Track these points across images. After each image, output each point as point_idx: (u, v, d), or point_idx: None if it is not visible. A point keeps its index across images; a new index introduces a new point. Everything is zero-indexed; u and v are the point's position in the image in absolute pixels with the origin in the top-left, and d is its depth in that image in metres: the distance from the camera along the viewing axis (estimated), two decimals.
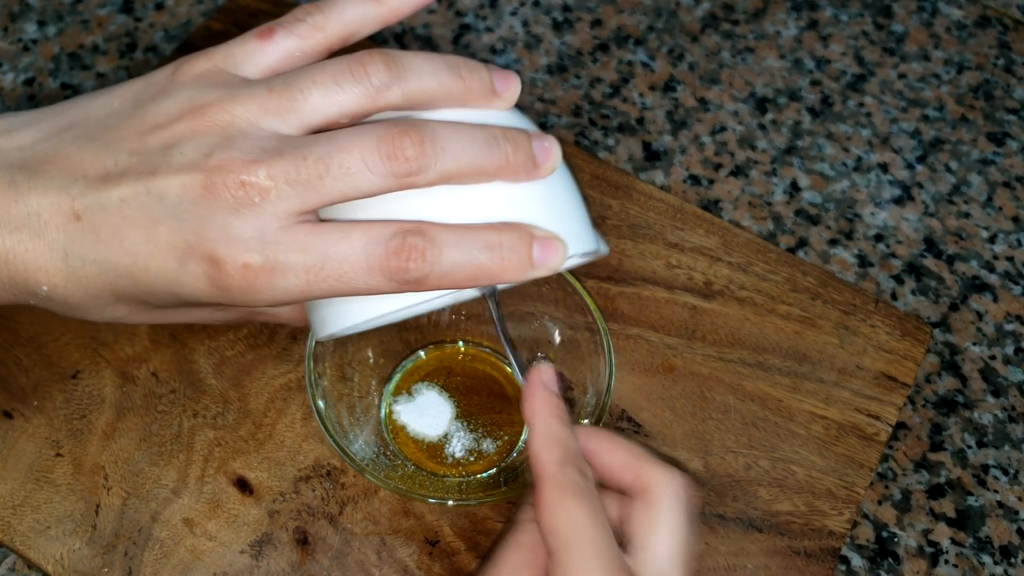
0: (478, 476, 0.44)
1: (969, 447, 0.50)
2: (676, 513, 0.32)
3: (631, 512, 0.33)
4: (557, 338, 0.46)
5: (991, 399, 0.51)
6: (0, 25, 0.60)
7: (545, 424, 0.33)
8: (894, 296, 0.54)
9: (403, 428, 0.45)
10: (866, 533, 0.47)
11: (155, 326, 0.48)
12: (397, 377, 0.47)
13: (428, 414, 0.46)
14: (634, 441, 0.45)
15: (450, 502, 0.40)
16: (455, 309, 0.47)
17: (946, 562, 0.46)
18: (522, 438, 0.45)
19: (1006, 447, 0.50)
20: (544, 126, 0.58)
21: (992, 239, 0.57)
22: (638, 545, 0.32)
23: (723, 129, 0.60)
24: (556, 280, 0.44)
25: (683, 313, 0.51)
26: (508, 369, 0.47)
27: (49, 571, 0.42)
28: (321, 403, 0.41)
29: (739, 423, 0.48)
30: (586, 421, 0.41)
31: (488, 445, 0.45)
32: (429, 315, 0.47)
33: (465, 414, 0.46)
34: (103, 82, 0.57)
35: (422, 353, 0.48)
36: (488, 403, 0.46)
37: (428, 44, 0.61)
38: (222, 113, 0.31)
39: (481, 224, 0.32)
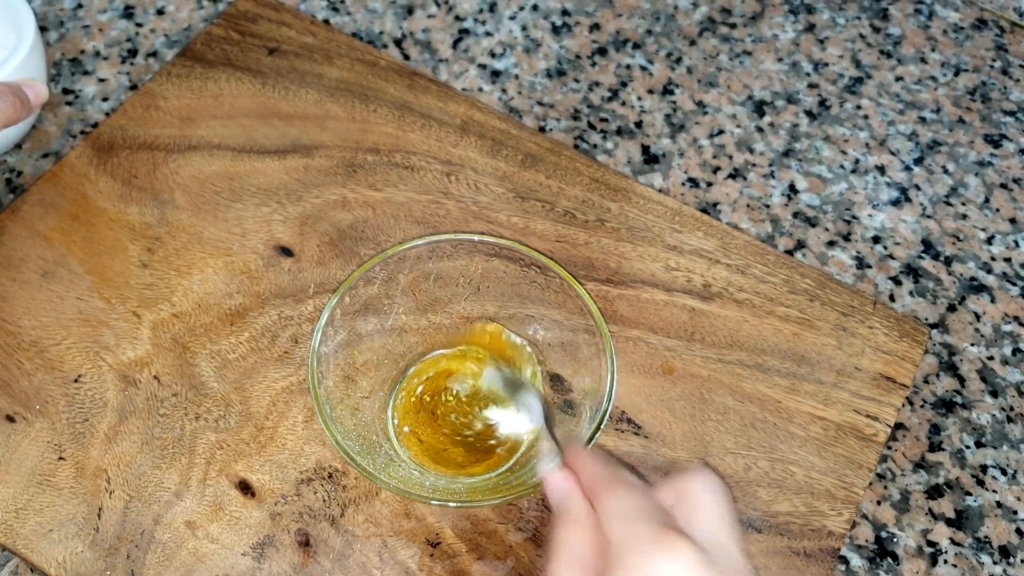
0: (481, 478, 0.44)
1: (967, 447, 0.50)
2: (710, 489, 0.33)
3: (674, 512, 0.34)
4: (558, 340, 0.46)
5: (989, 399, 0.51)
6: None
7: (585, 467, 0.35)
8: (892, 297, 0.54)
9: (406, 430, 0.46)
10: (865, 533, 0.47)
11: (156, 329, 0.48)
12: (401, 380, 0.47)
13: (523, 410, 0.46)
14: (634, 444, 0.45)
15: (452, 504, 0.40)
16: (458, 313, 0.47)
17: (945, 562, 0.47)
18: (524, 441, 0.46)
19: (1004, 447, 0.50)
20: (543, 129, 0.59)
21: (989, 240, 0.57)
22: (688, 519, 0.32)
23: (721, 132, 0.60)
24: (557, 283, 0.44)
25: (682, 315, 0.51)
26: (509, 371, 0.48)
27: (52, 574, 0.42)
28: (325, 405, 0.41)
29: (738, 424, 0.48)
30: (586, 423, 0.42)
31: (491, 447, 0.45)
32: (431, 319, 0.47)
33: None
34: (104, 88, 0.58)
35: (425, 356, 0.48)
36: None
37: (427, 48, 0.61)
38: None
39: None
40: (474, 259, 0.45)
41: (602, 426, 0.40)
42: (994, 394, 0.52)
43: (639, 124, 0.60)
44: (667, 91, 0.61)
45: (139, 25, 0.61)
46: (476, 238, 0.45)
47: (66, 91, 0.57)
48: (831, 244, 0.56)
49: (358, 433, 0.43)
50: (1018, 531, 0.48)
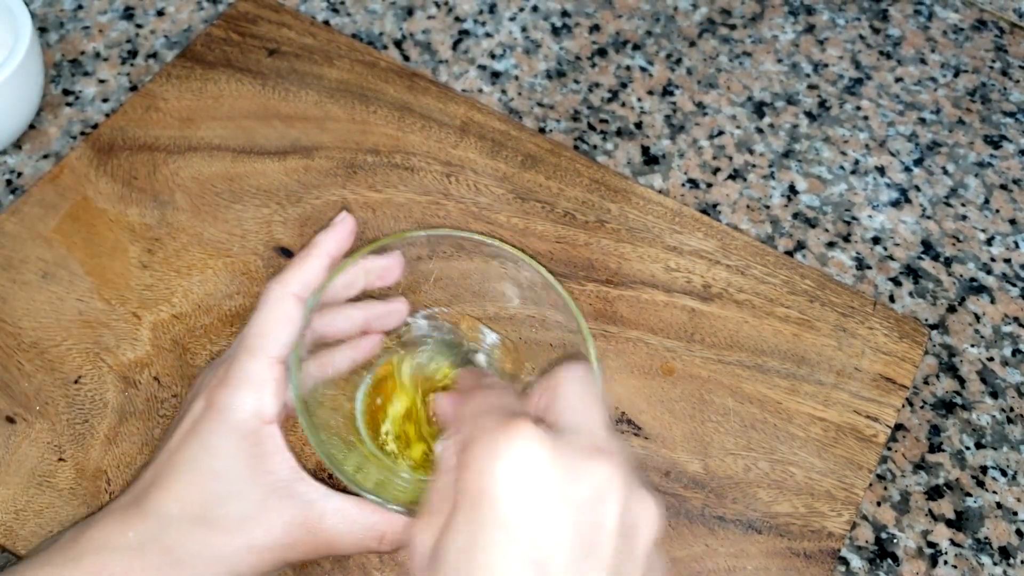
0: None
1: (967, 448, 0.50)
2: (574, 377, 0.34)
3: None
4: (559, 341, 0.46)
5: (989, 400, 0.51)
6: None
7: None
8: (892, 298, 0.54)
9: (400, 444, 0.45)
10: (865, 534, 0.47)
11: (156, 330, 0.48)
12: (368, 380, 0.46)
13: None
14: (634, 445, 0.45)
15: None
16: (449, 315, 0.47)
17: (945, 563, 0.47)
18: None
19: (1004, 448, 0.50)
20: (543, 131, 0.59)
21: (989, 241, 0.57)
22: (549, 407, 0.33)
23: (721, 133, 0.60)
24: (541, 283, 0.43)
25: (682, 316, 0.51)
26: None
27: None
28: (306, 413, 0.39)
29: (738, 425, 0.48)
30: None
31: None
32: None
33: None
34: (104, 89, 0.58)
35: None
36: None
37: (428, 49, 0.61)
38: None
39: None
40: (474, 259, 0.45)
41: None
42: (994, 395, 0.52)
43: (639, 125, 0.60)
44: (667, 92, 0.61)
45: (139, 26, 0.61)
46: (442, 233, 0.44)
47: (66, 92, 0.57)
48: (831, 245, 0.56)
49: (340, 437, 0.42)
50: (1018, 532, 0.48)
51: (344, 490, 0.39)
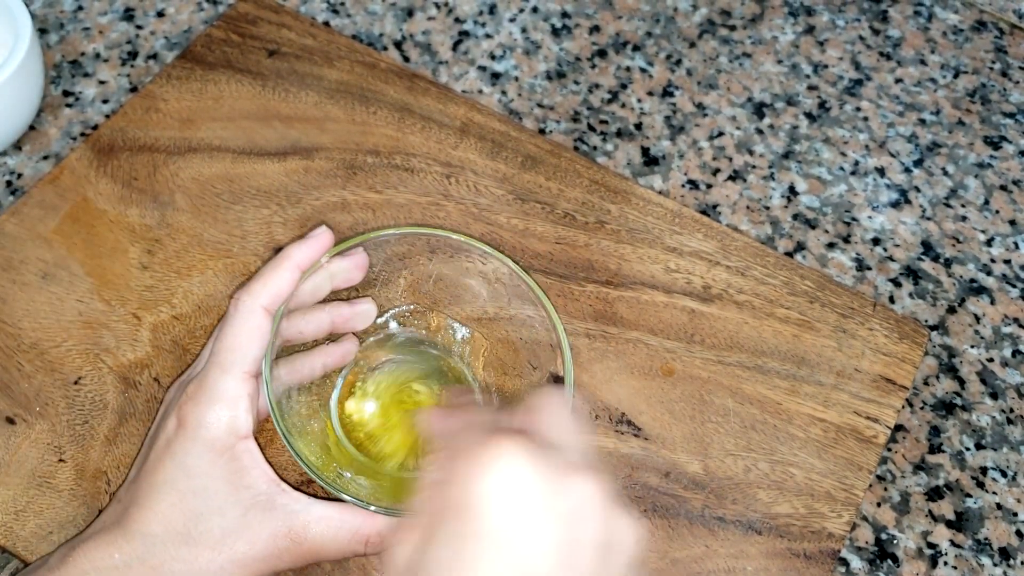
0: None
1: (967, 449, 0.50)
2: (554, 401, 0.34)
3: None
4: (558, 342, 0.46)
5: (989, 401, 0.51)
6: None
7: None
8: (892, 299, 0.54)
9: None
10: (865, 535, 0.47)
11: (156, 331, 0.48)
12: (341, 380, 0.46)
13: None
14: (634, 446, 0.45)
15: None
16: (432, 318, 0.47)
17: (945, 564, 0.46)
18: None
19: (1004, 449, 0.50)
20: (543, 131, 0.59)
21: (989, 242, 0.57)
22: (532, 424, 0.33)
23: (721, 134, 0.60)
24: (512, 278, 0.43)
25: (682, 317, 0.51)
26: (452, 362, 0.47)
27: None
28: (283, 420, 0.39)
29: (738, 426, 0.48)
30: None
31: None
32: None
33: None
34: (104, 90, 0.58)
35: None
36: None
37: (428, 50, 0.61)
38: None
39: None
40: (473, 259, 0.45)
41: None
42: (994, 396, 0.52)
43: (639, 126, 0.60)
44: (667, 93, 0.61)
45: (139, 27, 0.61)
46: (412, 231, 0.44)
47: (66, 93, 0.57)
48: (831, 246, 0.56)
49: (318, 443, 0.42)
50: (1018, 533, 0.48)
51: (326, 498, 0.39)
